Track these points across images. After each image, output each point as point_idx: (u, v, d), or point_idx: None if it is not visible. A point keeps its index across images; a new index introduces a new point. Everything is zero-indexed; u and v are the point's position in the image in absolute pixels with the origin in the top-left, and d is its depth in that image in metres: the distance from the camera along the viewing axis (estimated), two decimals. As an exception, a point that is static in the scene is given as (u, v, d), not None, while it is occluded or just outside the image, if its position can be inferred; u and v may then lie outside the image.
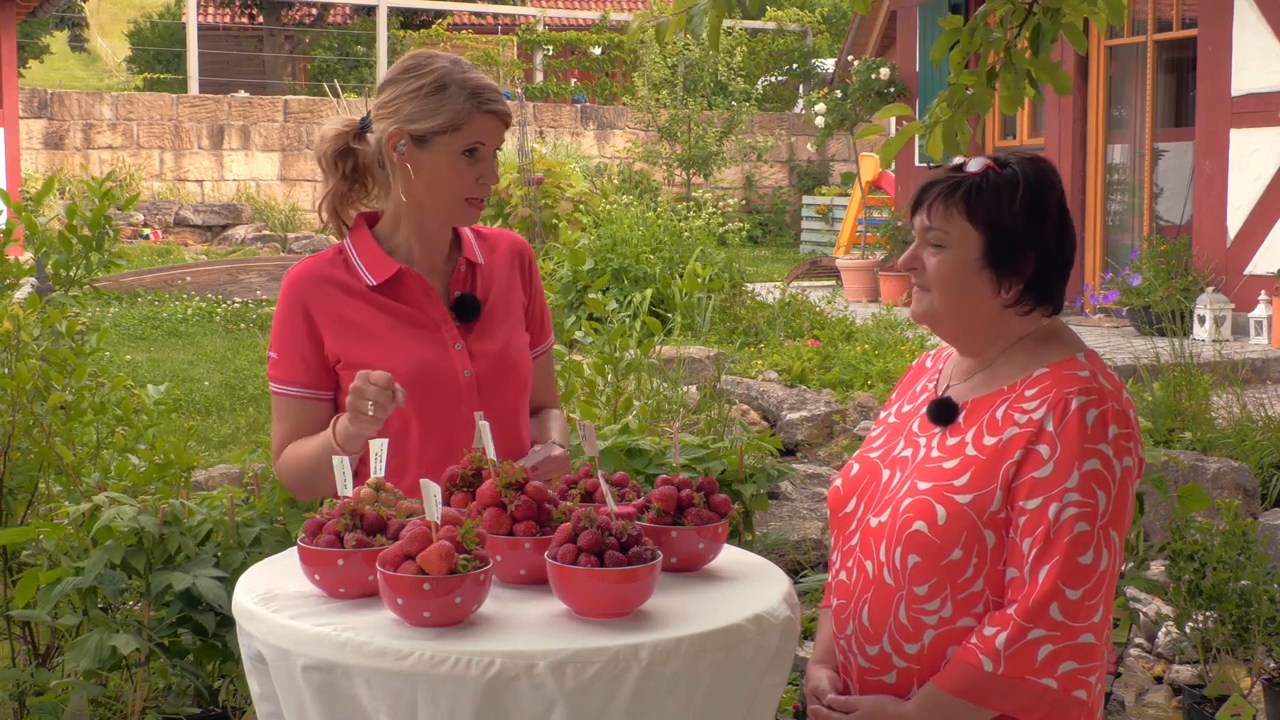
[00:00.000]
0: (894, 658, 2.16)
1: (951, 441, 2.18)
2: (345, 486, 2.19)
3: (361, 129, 2.54)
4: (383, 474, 2.22)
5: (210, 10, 26.93)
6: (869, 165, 14.89)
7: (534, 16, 23.71)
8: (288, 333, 2.51)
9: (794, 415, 7.29)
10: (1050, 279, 2.18)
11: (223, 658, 3.35)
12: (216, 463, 6.25)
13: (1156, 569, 4.81)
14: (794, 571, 5.14)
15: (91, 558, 3.23)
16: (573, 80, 23.27)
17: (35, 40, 26.36)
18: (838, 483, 2.34)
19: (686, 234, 11.77)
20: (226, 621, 3.23)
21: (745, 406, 7.41)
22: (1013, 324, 2.19)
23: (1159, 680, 4.52)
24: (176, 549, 3.25)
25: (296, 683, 1.93)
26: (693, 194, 18.49)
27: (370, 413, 2.30)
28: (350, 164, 2.55)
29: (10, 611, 3.42)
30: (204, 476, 5.68)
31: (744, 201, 19.98)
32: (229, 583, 3.15)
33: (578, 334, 6.83)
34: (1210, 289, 10.08)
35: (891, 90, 13.77)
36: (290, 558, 2.26)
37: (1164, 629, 4.71)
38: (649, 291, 10.20)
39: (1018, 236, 2.14)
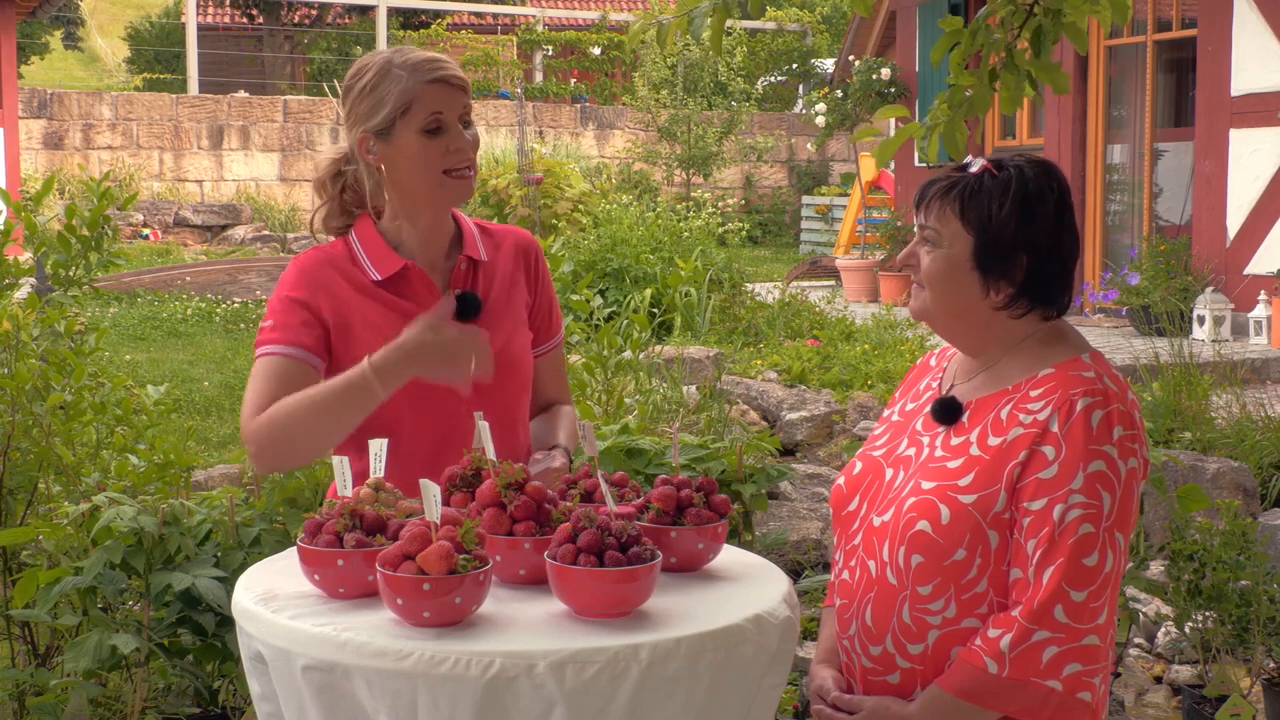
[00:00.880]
0: (898, 658, 2.16)
1: (956, 441, 2.18)
2: (345, 487, 2.19)
3: (351, 155, 2.56)
4: (382, 474, 2.21)
5: (210, 10, 26.94)
6: (869, 165, 14.86)
7: (534, 16, 23.69)
8: (293, 303, 2.47)
9: (794, 415, 7.28)
10: (1046, 283, 2.17)
11: (222, 658, 3.35)
12: (216, 463, 6.26)
13: (1156, 569, 4.81)
14: (794, 572, 5.14)
15: (91, 558, 3.23)
16: (572, 80, 23.24)
17: (35, 39, 26.34)
18: (840, 481, 2.33)
19: (686, 234, 11.77)
20: (226, 621, 3.23)
21: (745, 406, 7.40)
22: (1008, 326, 2.19)
23: (1158, 680, 4.52)
24: (176, 549, 3.25)
25: (296, 683, 1.93)
26: (692, 194, 18.48)
27: (470, 368, 2.27)
28: (339, 186, 2.58)
29: (10, 611, 3.42)
30: (204, 476, 5.69)
31: (744, 202, 19.96)
32: (229, 583, 3.15)
33: (573, 338, 6.84)
34: (1210, 289, 10.08)
35: (892, 90, 13.76)
36: (290, 558, 2.26)
37: (1164, 629, 4.71)
38: (649, 292, 10.20)
39: (1006, 241, 2.13)
